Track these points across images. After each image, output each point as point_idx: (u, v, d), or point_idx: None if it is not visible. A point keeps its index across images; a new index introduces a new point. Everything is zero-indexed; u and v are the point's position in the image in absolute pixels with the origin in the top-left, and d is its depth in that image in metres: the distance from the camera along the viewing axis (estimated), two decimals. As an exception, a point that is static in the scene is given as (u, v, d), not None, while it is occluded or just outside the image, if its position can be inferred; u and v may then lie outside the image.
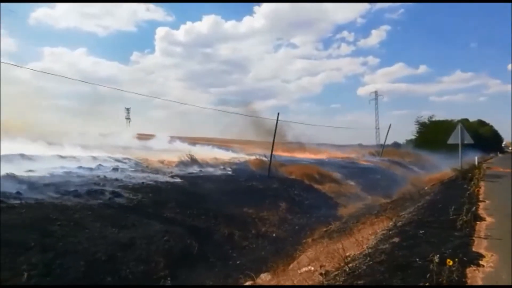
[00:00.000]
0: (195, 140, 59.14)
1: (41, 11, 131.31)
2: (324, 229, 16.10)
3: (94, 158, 28.08)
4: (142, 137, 60.32)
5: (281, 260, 10.43)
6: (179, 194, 18.93)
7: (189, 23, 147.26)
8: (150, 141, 54.60)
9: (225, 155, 44.08)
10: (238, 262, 12.72)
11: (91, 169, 23.14)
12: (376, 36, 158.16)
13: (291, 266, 9.60)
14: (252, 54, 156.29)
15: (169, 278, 10.33)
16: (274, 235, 16.75)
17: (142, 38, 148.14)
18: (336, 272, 5.88)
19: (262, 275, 9.58)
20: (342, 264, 6.05)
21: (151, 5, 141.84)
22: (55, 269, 8.79)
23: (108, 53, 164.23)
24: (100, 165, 25.04)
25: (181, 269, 11.05)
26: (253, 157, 40.62)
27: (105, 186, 17.61)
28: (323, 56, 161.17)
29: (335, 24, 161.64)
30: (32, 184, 16.27)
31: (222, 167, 32.36)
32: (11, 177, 16.85)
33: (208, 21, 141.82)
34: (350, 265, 5.88)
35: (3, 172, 17.45)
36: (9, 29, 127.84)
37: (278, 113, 31.68)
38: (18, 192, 14.54)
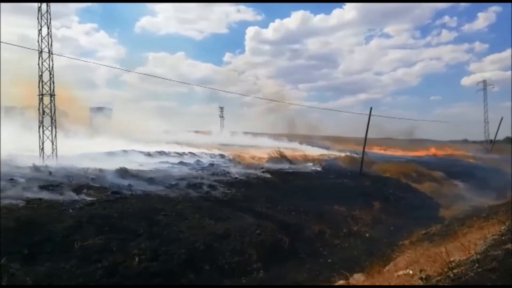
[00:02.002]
0: (284, 136, 59.70)
1: (144, 20, 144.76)
2: (423, 231, 14.99)
3: (193, 154, 30.22)
4: (235, 134, 62.98)
5: (376, 261, 10.00)
6: (270, 190, 19.35)
7: (277, 21, 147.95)
8: (242, 137, 56.76)
9: (314, 152, 43.68)
10: (329, 260, 12.54)
11: (190, 164, 24.96)
12: (484, 19, 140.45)
13: (386, 268, 9.15)
14: (341, 47, 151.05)
15: (261, 271, 10.64)
16: (367, 235, 16.12)
17: (233, 39, 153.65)
18: (439, 278, 5.45)
19: (355, 275, 9.31)
20: (445, 269, 5.57)
21: (241, 6, 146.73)
22: (160, 255, 9.68)
23: (203, 55, 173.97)
24: (198, 160, 26.86)
25: (273, 263, 11.30)
26: (343, 154, 39.60)
27: (202, 180, 18.85)
28: (421, 44, 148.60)
29: (434, 10, 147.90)
30: (140, 178, 18.16)
31: (311, 163, 32.16)
32: (123, 171, 19.01)
33: (296, 17, 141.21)
34: (455, 270, 5.39)
35: (116, 166, 19.80)
36: (118, 38, 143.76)
37: (371, 108, 30.22)
38: (129, 185, 16.36)
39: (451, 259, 6.07)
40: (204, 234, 11.60)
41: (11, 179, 14.74)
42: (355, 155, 36.17)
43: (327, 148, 49.97)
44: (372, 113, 29.76)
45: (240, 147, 41.60)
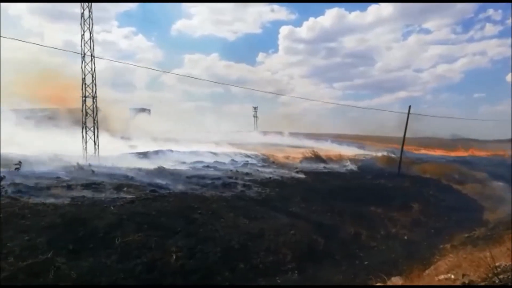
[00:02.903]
0: (319, 136, 59.07)
1: (180, 22, 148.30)
2: (466, 235, 14.32)
3: (227, 154, 30.59)
4: (269, 134, 63.03)
5: (415, 265, 9.66)
6: (304, 190, 19.21)
7: (311, 19, 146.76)
8: (276, 137, 56.72)
9: (350, 151, 42.95)
10: (365, 262, 12.27)
11: (225, 164, 25.29)
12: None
13: (426, 271, 8.83)
14: (378, 44, 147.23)
15: (296, 271, 10.59)
16: (405, 237, 15.62)
17: (267, 39, 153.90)
18: (483, 283, 5.20)
19: (393, 278, 9.05)
20: (490, 275, 5.31)
21: (275, 6, 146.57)
22: (197, 252, 9.88)
23: (237, 55, 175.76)
24: (232, 160, 27.17)
25: (308, 264, 11.21)
26: (380, 154, 38.64)
27: (237, 180, 19.05)
28: (463, 39, 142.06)
29: (477, 3, 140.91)
30: (177, 177, 18.62)
31: (347, 163, 31.64)
32: (161, 170, 19.58)
33: (331, 15, 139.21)
34: (500, 276, 5.12)
35: (154, 166, 20.42)
36: (156, 41, 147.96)
37: (410, 106, 29.25)
38: (166, 184, 16.82)
39: (496, 264, 5.77)
40: (239, 233, 11.71)
41: (57, 178, 15.58)
42: (392, 155, 35.18)
43: (363, 148, 48.92)
44: (411, 111, 28.83)
45: (274, 147, 41.61)
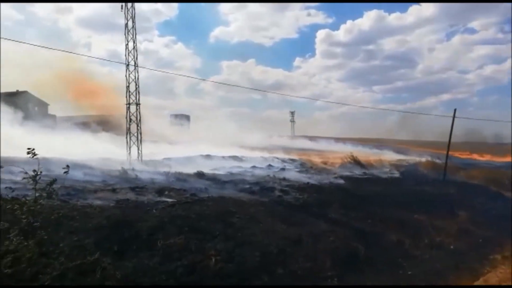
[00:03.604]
0: (358, 141, 57.79)
1: (218, 30, 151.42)
2: (520, 246, 13.43)
3: (264, 158, 30.69)
4: (306, 138, 62.54)
5: (463, 276, 9.18)
6: (343, 196, 18.84)
7: (349, 22, 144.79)
8: (313, 142, 56.15)
9: (391, 157, 41.67)
10: (409, 272, 11.81)
11: (262, 168, 25.38)
12: None
13: (475, 283, 8.37)
14: (420, 45, 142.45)
15: (335, 279, 10.39)
16: (451, 246, 14.86)
17: (304, 43, 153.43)
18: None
19: (439, 290, 8.65)
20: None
21: (312, 10, 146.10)
22: (235, 257, 9.95)
23: (274, 61, 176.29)
24: (269, 165, 27.22)
25: (348, 271, 10.95)
26: (424, 159, 37.17)
27: (274, 185, 19.03)
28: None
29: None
30: (216, 181, 18.92)
31: (388, 169, 30.72)
32: (200, 174, 19.98)
33: (369, 17, 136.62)
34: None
35: (194, 170, 20.87)
36: (194, 49, 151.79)
37: (455, 109, 27.87)
38: (206, 188, 17.12)
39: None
40: (277, 238, 11.66)
41: (103, 181, 16.33)
42: (437, 160, 33.73)
43: (405, 153, 47.29)
44: (456, 114, 27.51)
45: (312, 152, 41.22)
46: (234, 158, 29.78)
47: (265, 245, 11.00)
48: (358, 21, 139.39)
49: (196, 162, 26.27)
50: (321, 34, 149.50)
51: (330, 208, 16.42)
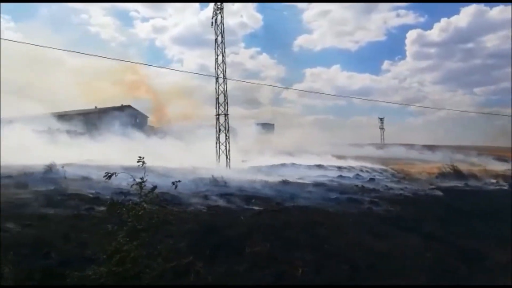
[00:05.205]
0: (458, 148, 52.70)
1: (301, 38, 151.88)
2: None
3: (352, 168, 29.71)
4: (397, 146, 59.02)
5: None
6: (441, 209, 17.33)
7: (443, 20, 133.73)
8: (406, 150, 52.73)
9: (498, 166, 37.15)
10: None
11: (349, 178, 24.60)
12: None
13: None
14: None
15: (433, 300, 9.55)
16: None
17: (392, 45, 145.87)
18: None
19: None
20: None
21: (401, 10, 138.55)
22: (322, 269, 9.75)
23: (360, 65, 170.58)
24: (357, 174, 26.26)
25: (446, 293, 9.99)
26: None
27: (363, 196, 18.30)
28: None
29: None
30: (301, 190, 18.86)
31: (494, 180, 27.42)
32: (285, 183, 20.11)
33: (467, 13, 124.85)
34: None
35: (279, 179, 21.08)
36: (278, 58, 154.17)
37: None
38: (291, 197, 17.18)
39: None
40: (365, 251, 11.16)
41: (196, 188, 17.40)
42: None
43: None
44: None
45: (404, 161, 38.76)
46: (320, 167, 29.38)
47: (353, 259, 10.59)
48: (454, 18, 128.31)
49: (281, 170, 26.53)
50: (411, 34, 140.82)
51: (426, 222, 15.19)
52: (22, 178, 17.41)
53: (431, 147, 54.71)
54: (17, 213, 11.51)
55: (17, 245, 8.41)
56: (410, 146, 59.12)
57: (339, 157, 37.93)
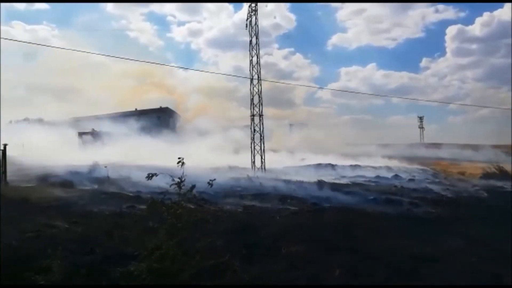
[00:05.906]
0: (504, 148, 49.85)
1: (335, 37, 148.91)
2: None
3: (390, 168, 28.91)
4: (438, 146, 56.79)
5: None
6: (486, 211, 16.51)
7: (486, 14, 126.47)
8: (447, 149, 50.61)
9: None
10: None
11: (387, 178, 23.96)
12: None
13: None
14: None
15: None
16: None
17: (431, 42, 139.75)
18: None
19: None
20: None
21: (440, 6, 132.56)
22: (360, 271, 9.55)
23: (397, 63, 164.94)
24: (396, 175, 25.51)
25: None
26: None
27: (402, 197, 17.76)
28: None
29: None
30: (337, 191, 18.58)
31: (546, 181, 25.67)
32: (321, 183, 19.90)
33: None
34: None
35: (314, 179, 20.89)
36: (312, 58, 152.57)
37: None
38: (327, 197, 16.98)
39: None
40: (405, 255, 10.81)
41: (232, 188, 17.61)
42: None
43: None
44: None
45: (446, 161, 37.23)
46: (356, 167, 28.81)
47: (392, 262, 10.29)
48: (498, 12, 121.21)
49: (317, 170, 26.28)
50: (451, 30, 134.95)
51: (470, 225, 14.52)
52: (68, 177, 18.39)
53: (474, 147, 52.11)
54: (64, 211, 12.17)
55: (65, 241, 8.89)
56: (451, 145, 56.61)
57: (378, 157, 37.02)
